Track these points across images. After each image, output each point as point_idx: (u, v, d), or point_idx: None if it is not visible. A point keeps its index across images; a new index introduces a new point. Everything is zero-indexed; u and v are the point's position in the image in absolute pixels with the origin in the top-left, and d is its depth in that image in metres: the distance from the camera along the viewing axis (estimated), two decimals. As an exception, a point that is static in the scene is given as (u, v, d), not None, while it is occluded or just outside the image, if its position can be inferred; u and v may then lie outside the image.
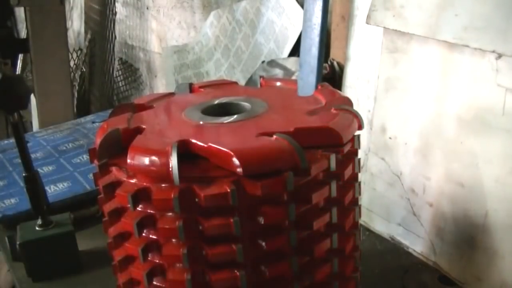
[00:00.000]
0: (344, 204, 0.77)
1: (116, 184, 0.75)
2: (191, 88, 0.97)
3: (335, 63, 1.34)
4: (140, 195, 0.71)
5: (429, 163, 1.04)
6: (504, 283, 0.92)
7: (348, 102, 0.85)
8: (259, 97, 0.88)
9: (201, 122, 0.80)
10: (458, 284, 1.00)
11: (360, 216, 0.84)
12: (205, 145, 0.70)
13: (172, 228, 0.70)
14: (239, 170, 0.67)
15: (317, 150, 0.73)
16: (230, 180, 0.68)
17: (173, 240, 0.71)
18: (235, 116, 0.80)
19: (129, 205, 0.72)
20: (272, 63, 1.47)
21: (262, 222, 0.70)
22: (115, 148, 0.76)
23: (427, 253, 1.07)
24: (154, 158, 0.69)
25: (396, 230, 1.14)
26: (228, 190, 0.67)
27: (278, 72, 1.44)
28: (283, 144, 0.69)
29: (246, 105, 0.85)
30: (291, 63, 1.43)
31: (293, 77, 1.41)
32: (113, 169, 0.76)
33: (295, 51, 1.48)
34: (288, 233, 0.71)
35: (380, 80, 1.14)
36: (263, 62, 1.50)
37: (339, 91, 0.89)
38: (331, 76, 1.34)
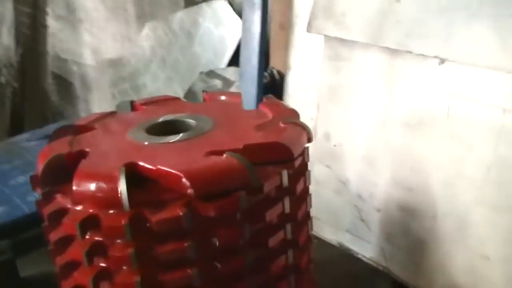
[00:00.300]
0: (297, 219, 0.77)
1: (61, 212, 0.72)
2: (133, 105, 0.94)
3: (275, 72, 1.34)
4: (88, 223, 0.68)
5: (375, 169, 1.06)
6: (457, 283, 0.94)
7: (295, 114, 0.85)
8: (204, 113, 0.87)
9: (146, 143, 0.77)
10: (409, 284, 1.01)
11: (312, 228, 0.84)
12: (154, 168, 0.68)
13: (124, 255, 0.67)
14: (190, 191, 0.65)
15: (268, 166, 0.72)
16: (182, 202, 0.66)
17: (125, 267, 0.69)
18: (181, 134, 0.78)
19: (77, 234, 0.69)
20: (211, 73, 1.45)
21: (217, 244, 0.68)
22: (58, 174, 0.73)
23: (377, 258, 1.08)
24: (101, 184, 0.67)
25: (344, 237, 1.15)
26: (181, 214, 0.65)
27: (218, 83, 1.42)
28: (233, 162, 0.68)
29: (191, 122, 0.83)
30: (231, 73, 1.42)
31: (233, 87, 1.40)
32: (58, 196, 0.72)
33: (234, 61, 1.47)
34: (244, 253, 0.70)
35: (322, 88, 1.15)
36: (201, 73, 1.48)
37: (284, 103, 0.89)
38: (271, 84, 1.34)
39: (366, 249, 1.10)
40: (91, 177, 0.68)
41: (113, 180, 0.66)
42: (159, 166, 0.68)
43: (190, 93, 1.46)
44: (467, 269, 0.93)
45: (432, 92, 0.94)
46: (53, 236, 0.75)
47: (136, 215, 0.66)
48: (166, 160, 0.70)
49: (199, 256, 0.68)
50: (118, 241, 0.68)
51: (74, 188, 0.68)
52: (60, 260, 0.75)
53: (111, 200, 0.66)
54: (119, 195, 0.65)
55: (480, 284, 0.91)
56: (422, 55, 0.92)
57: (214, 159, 0.69)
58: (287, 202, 0.74)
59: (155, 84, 1.67)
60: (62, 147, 0.77)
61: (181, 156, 0.73)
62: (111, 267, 0.70)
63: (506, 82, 0.84)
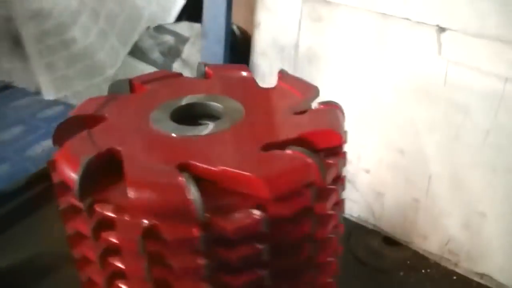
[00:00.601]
0: (340, 205, 0.76)
1: (105, 223, 0.65)
2: (132, 86, 0.86)
3: (235, 28, 1.29)
4: (149, 235, 0.63)
5: (363, 131, 1.07)
6: (452, 238, 1.00)
7: (318, 91, 0.82)
8: (223, 93, 0.81)
9: (174, 134, 0.71)
10: (403, 244, 1.06)
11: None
12: (216, 169, 0.63)
13: (193, 265, 0.63)
14: (266, 194, 0.62)
15: (319, 154, 0.70)
16: (254, 205, 0.63)
17: (193, 276, 0.65)
18: (214, 123, 0.73)
19: (136, 247, 0.63)
20: (160, 28, 1.36)
21: (285, 242, 0.66)
22: (94, 180, 0.65)
23: (366, 217, 1.11)
24: (167, 192, 0.61)
25: (329, 197, 1.16)
26: (259, 218, 0.62)
27: (169, 39, 1.34)
28: (303, 159, 0.65)
29: (218, 106, 0.78)
30: (183, 29, 1.34)
31: (188, 44, 1.32)
32: (99, 206, 0.65)
33: (183, 15, 1.38)
34: (308, 245, 0.69)
35: (301, 48, 1.12)
36: (148, 27, 1.37)
37: (302, 79, 0.85)
38: (232, 41, 1.28)
39: (353, 209, 1.13)
40: (151, 185, 0.61)
41: (181, 188, 0.60)
42: (225, 168, 0.63)
43: (137, 50, 1.36)
44: (463, 224, 0.99)
45: (429, 59, 0.95)
46: (93, 250, 0.68)
47: (208, 224, 0.61)
48: (222, 158, 0.65)
49: (271, 256, 0.65)
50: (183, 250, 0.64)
51: (131, 199, 0.61)
52: (104, 272, 0.69)
53: (180, 209, 0.60)
54: (191, 205, 0.60)
55: (476, 238, 0.98)
56: (422, 23, 0.93)
57: (281, 156, 0.65)
58: (340, 189, 0.73)
59: (87, 38, 1.53)
60: (85, 147, 0.68)
61: (236, 152, 0.68)
62: (174, 277, 0.65)
63: (509, 52, 0.87)
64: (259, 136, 0.70)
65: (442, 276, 1.01)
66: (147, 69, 1.33)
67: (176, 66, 1.30)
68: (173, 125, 0.73)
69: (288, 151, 0.65)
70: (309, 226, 0.68)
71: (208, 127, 0.72)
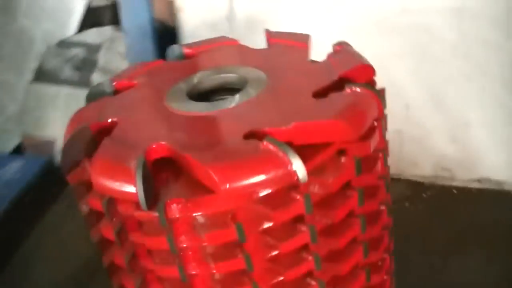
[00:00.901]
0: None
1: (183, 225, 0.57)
2: (116, 86, 0.76)
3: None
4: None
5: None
6: (442, 155, 1.03)
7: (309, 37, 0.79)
8: (228, 64, 0.75)
9: (210, 112, 0.64)
10: (395, 177, 1.07)
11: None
12: (289, 126, 0.57)
13: (299, 234, 0.58)
14: (351, 135, 0.58)
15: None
16: (336, 153, 0.58)
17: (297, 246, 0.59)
18: (246, 91, 0.67)
19: (237, 235, 0.57)
20: (64, 43, 1.23)
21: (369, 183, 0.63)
22: (151, 184, 0.57)
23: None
24: (261, 164, 0.55)
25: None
26: (352, 163, 0.59)
27: (78, 52, 1.21)
28: (365, 94, 0.62)
29: (235, 76, 0.72)
30: (92, 36, 1.22)
31: (103, 50, 1.21)
32: (173, 209, 0.56)
33: (84, 23, 1.26)
34: (383, 184, 0.66)
35: (238, 20, 1.08)
36: (49, 47, 1.23)
37: (290, 31, 0.81)
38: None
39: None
40: (239, 164, 0.55)
41: (273, 155, 0.54)
42: (295, 123, 0.57)
43: (42, 74, 1.21)
44: (450, 139, 1.02)
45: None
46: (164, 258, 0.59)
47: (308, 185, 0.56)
48: (286, 116, 0.59)
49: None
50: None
51: (223, 186, 0.54)
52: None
53: (282, 177, 0.54)
54: (291, 169, 0.54)
55: (466, 148, 1.02)
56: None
57: (343, 95, 0.61)
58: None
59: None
60: (124, 154, 0.59)
61: (293, 106, 0.62)
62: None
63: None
64: (299, 88, 0.65)
65: (442, 193, 1.04)
66: (60, 91, 1.19)
67: (96, 77, 1.18)
68: (200, 104, 0.66)
69: (347, 90, 0.62)
70: (382, 163, 0.65)
71: (242, 94, 0.66)
